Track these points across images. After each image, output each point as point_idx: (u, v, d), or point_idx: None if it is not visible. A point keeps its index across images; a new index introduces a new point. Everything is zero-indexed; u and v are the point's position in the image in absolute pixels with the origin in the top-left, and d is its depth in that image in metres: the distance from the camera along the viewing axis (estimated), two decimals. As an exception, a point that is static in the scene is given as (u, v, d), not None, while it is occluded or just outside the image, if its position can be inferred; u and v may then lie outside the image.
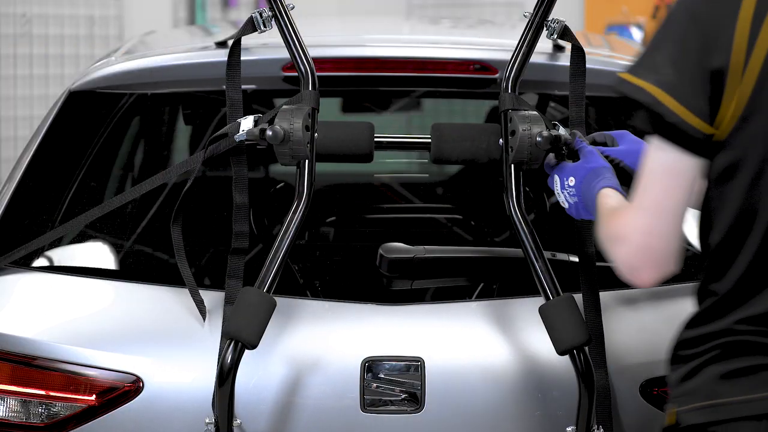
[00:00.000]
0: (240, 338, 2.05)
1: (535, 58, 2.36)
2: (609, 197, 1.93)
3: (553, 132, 2.19)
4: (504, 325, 2.21)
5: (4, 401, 2.16)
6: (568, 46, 2.47)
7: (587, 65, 2.37)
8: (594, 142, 2.30)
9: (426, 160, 3.01)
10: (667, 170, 1.66)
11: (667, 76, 1.65)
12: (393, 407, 2.16)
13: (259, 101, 2.89)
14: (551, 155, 2.21)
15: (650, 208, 1.67)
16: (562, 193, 2.10)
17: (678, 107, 1.64)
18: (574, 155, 2.18)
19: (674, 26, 1.67)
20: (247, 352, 2.08)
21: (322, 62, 2.42)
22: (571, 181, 2.07)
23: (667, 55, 1.66)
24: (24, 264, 2.35)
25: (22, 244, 2.35)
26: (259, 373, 2.15)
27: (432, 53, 2.57)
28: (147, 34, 3.22)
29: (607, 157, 2.19)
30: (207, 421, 2.13)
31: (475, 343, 2.20)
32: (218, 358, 2.11)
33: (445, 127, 2.32)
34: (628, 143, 2.25)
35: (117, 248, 2.49)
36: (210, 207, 2.67)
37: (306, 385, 2.15)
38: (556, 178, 2.12)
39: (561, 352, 2.08)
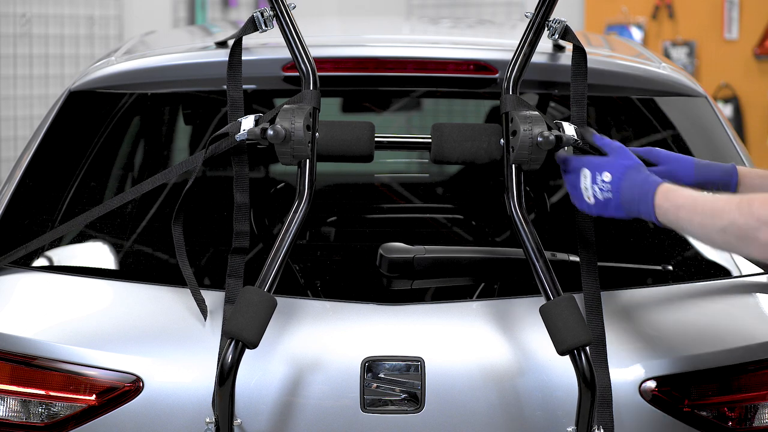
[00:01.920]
0: (241, 338, 2.05)
1: (535, 58, 2.36)
2: (683, 190, 1.95)
3: (555, 132, 2.19)
4: (504, 325, 2.21)
5: (4, 401, 2.16)
6: (568, 45, 2.47)
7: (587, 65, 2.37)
8: None
9: (426, 160, 3.01)
10: None
11: None
12: (393, 407, 2.16)
13: (260, 101, 2.89)
14: (569, 149, 2.19)
15: None
16: (592, 187, 2.05)
17: None
18: (596, 151, 2.18)
19: None
20: (247, 351, 2.08)
21: (322, 62, 2.42)
22: (606, 176, 2.03)
23: None
24: (24, 264, 2.35)
25: (22, 244, 2.35)
26: (260, 373, 2.15)
27: (432, 53, 2.57)
28: (147, 34, 3.22)
29: None
30: (207, 420, 2.13)
31: (475, 343, 2.20)
32: (218, 358, 2.11)
33: (445, 127, 2.32)
34: (666, 162, 2.26)
35: (117, 248, 2.49)
36: (211, 207, 2.67)
37: (306, 385, 2.15)
38: (586, 171, 2.07)
39: (561, 353, 2.08)
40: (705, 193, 1.96)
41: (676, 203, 1.96)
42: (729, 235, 1.86)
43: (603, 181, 2.03)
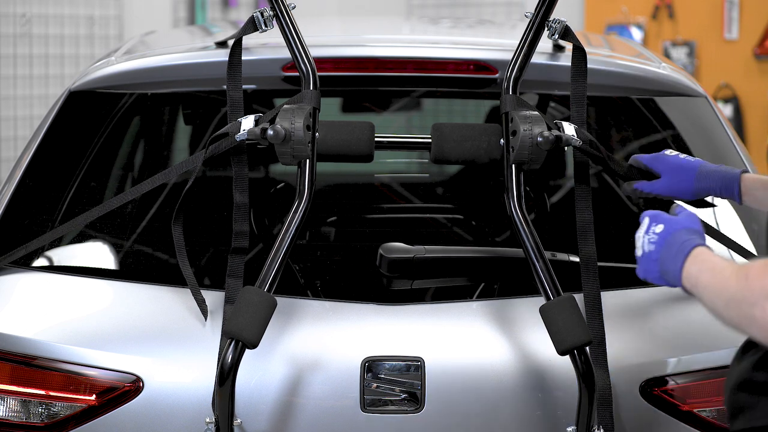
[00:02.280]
0: (241, 338, 2.05)
1: (535, 58, 2.36)
2: (715, 255, 1.69)
3: (554, 132, 2.19)
4: (504, 325, 2.21)
5: (4, 401, 2.16)
6: (568, 45, 2.47)
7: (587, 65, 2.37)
8: (631, 169, 2.32)
9: (426, 160, 3.01)
10: None
11: None
12: (393, 407, 2.16)
13: (260, 101, 2.89)
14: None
15: None
16: (644, 236, 1.87)
17: None
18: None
19: None
20: (247, 351, 2.08)
21: (322, 62, 2.42)
22: (659, 228, 1.85)
23: None
24: (24, 264, 2.35)
25: (22, 244, 2.35)
26: (260, 373, 2.15)
27: (432, 53, 2.57)
28: (147, 34, 3.22)
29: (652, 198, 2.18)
30: (207, 420, 2.13)
31: (475, 343, 2.20)
32: (218, 358, 2.11)
33: (445, 127, 2.32)
34: (668, 172, 2.26)
35: (117, 248, 2.49)
36: (210, 207, 2.67)
37: (306, 385, 2.15)
38: (646, 219, 1.89)
39: (562, 352, 2.08)
40: (734, 261, 1.69)
41: (701, 267, 1.70)
42: (732, 311, 1.59)
43: (654, 232, 1.86)
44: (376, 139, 2.31)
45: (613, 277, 2.36)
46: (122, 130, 2.74)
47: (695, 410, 2.17)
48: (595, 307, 2.21)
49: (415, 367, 2.16)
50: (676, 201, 2.24)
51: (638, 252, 1.88)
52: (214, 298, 2.24)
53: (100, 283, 2.33)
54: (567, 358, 2.09)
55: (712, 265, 1.67)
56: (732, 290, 1.57)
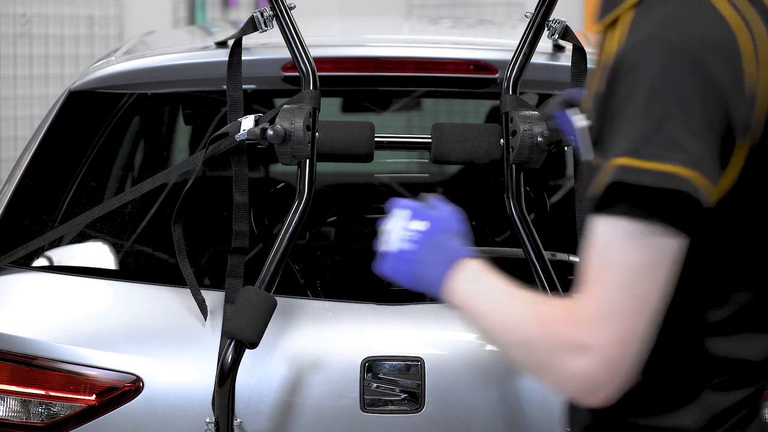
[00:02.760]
0: (241, 337, 2.05)
1: (535, 58, 2.36)
2: (489, 273, 1.52)
3: (555, 132, 2.19)
4: (504, 325, 2.21)
5: (4, 401, 2.16)
6: (568, 45, 2.47)
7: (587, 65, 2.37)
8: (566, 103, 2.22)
9: (426, 160, 3.01)
10: (664, 261, 1.33)
11: (694, 152, 1.31)
12: (393, 407, 2.16)
13: (260, 101, 2.89)
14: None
15: (635, 312, 1.33)
16: (400, 231, 1.59)
17: (709, 187, 1.32)
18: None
19: (674, 89, 1.34)
20: (247, 351, 2.08)
21: (322, 62, 2.42)
22: (422, 225, 1.58)
23: (684, 126, 1.32)
24: (24, 264, 2.35)
25: (22, 244, 2.35)
26: (260, 373, 2.15)
27: (432, 53, 2.57)
28: (147, 34, 3.22)
29: None
30: (207, 420, 2.13)
31: (475, 343, 2.20)
32: (218, 358, 2.11)
33: (445, 127, 2.32)
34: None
35: (117, 248, 2.49)
36: (210, 207, 2.67)
37: (306, 385, 2.15)
38: (405, 212, 1.61)
39: (561, 352, 2.08)
40: (513, 288, 1.48)
41: (477, 288, 1.51)
42: (525, 354, 1.42)
43: (413, 228, 1.59)
44: (376, 139, 2.31)
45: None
46: (122, 130, 2.74)
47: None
48: (595, 307, 2.21)
49: (415, 367, 2.16)
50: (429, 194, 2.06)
51: (387, 247, 1.59)
52: (214, 298, 2.24)
53: (100, 283, 2.33)
54: (567, 358, 2.08)
55: (490, 288, 1.49)
56: (528, 333, 1.40)
